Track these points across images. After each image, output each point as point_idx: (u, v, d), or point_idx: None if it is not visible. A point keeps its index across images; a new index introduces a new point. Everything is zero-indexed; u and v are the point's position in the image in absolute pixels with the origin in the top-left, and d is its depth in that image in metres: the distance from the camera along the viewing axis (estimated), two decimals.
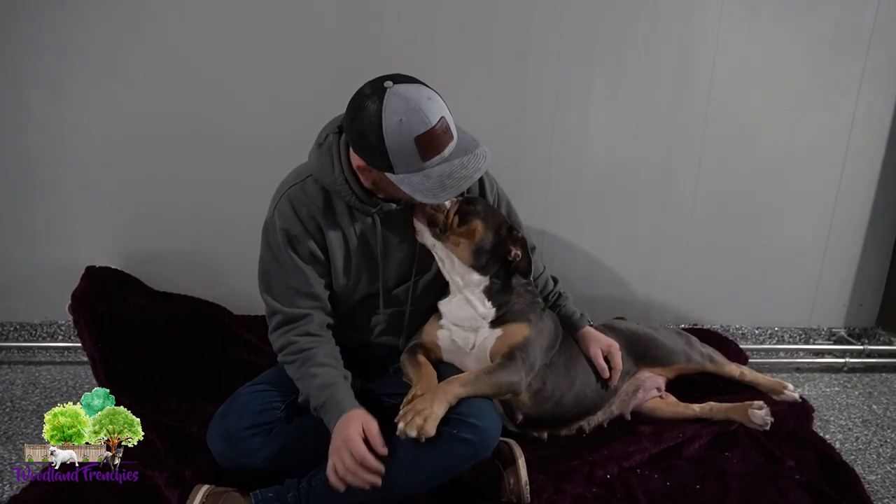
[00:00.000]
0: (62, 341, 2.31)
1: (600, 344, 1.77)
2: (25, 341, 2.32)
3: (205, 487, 1.40)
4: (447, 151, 1.38)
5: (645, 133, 2.23)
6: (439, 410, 1.39)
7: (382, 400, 1.63)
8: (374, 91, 1.36)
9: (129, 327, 1.98)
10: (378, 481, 1.33)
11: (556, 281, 1.86)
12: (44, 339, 2.32)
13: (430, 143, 1.34)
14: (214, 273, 2.26)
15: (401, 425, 1.35)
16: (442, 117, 1.35)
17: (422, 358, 1.61)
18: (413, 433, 1.34)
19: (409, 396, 1.46)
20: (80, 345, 1.99)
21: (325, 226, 1.54)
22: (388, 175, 1.38)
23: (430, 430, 1.35)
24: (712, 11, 2.11)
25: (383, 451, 1.34)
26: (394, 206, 1.56)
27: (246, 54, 2.08)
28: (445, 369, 1.61)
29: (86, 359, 1.94)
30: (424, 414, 1.37)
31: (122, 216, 2.21)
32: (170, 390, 1.88)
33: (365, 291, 1.62)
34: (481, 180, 1.68)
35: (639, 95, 2.19)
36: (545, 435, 1.73)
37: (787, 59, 2.18)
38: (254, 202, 2.16)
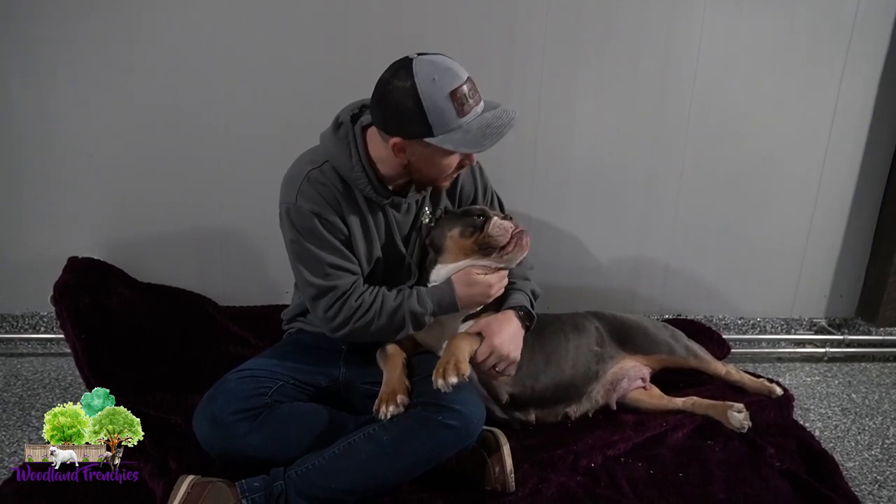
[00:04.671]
0: (44, 333, 2.29)
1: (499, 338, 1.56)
2: (7, 333, 2.29)
3: (190, 478, 1.39)
4: (479, 108, 1.44)
5: (629, 126, 2.24)
6: (462, 355, 1.46)
7: (366, 388, 1.63)
8: (400, 66, 1.41)
9: (112, 319, 1.96)
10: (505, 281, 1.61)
11: None
12: (26, 331, 2.29)
13: (465, 97, 1.40)
14: (200, 265, 2.24)
15: (440, 381, 1.40)
16: (469, 77, 1.43)
17: (391, 349, 1.62)
18: (454, 379, 1.40)
19: (378, 398, 1.47)
20: (62, 336, 1.96)
21: (347, 209, 1.56)
22: (428, 140, 1.41)
23: (465, 369, 1.43)
24: (696, 5, 2.12)
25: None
26: (403, 200, 1.61)
27: (229, 42, 2.05)
28: (419, 361, 1.61)
29: (68, 350, 1.92)
30: (452, 362, 1.43)
31: (106, 207, 2.19)
32: (154, 382, 1.87)
33: (372, 275, 1.65)
34: (472, 170, 1.72)
35: (623, 89, 2.20)
36: (532, 417, 1.75)
37: (770, 53, 2.19)
38: (240, 193, 2.17)
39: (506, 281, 1.63)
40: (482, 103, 1.46)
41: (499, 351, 1.53)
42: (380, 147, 1.52)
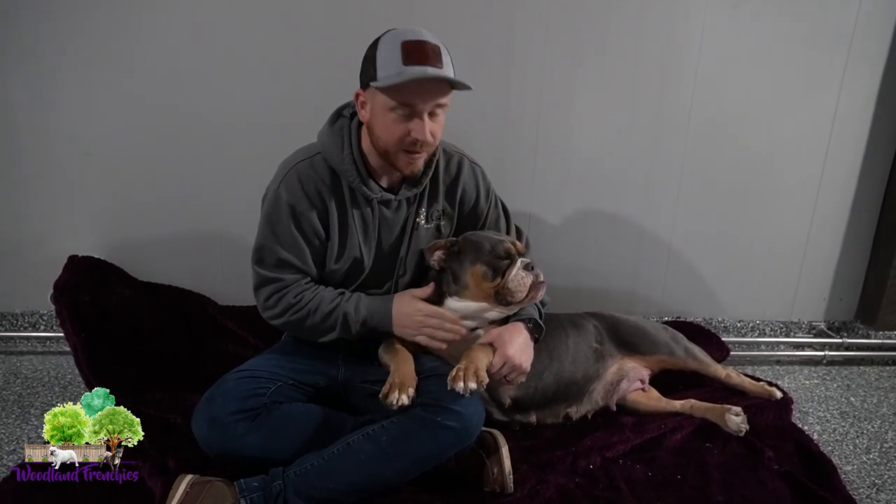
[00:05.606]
0: (44, 331, 2.29)
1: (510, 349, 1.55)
2: (7, 331, 2.29)
3: (189, 477, 1.39)
4: (431, 69, 1.40)
5: (629, 127, 2.24)
6: (481, 365, 1.46)
7: (365, 387, 1.63)
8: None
9: (112, 318, 1.96)
10: (463, 330, 1.56)
11: None
12: (25, 329, 2.30)
13: (416, 51, 1.40)
14: (200, 264, 2.24)
15: (459, 385, 1.40)
16: (438, 45, 1.43)
17: (398, 345, 1.61)
18: (474, 385, 1.41)
19: (387, 384, 1.46)
20: (62, 335, 1.97)
21: (330, 203, 1.56)
22: (372, 85, 1.42)
23: (484, 377, 1.44)
24: (697, 5, 2.12)
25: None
26: (393, 197, 1.59)
27: (229, 42, 2.06)
28: (418, 361, 1.59)
29: (68, 349, 1.92)
30: (472, 369, 1.43)
31: (106, 206, 2.19)
32: (153, 381, 1.88)
33: (350, 272, 1.64)
34: (474, 172, 1.71)
35: (623, 90, 2.20)
36: (533, 419, 1.75)
37: (771, 55, 2.19)
38: (240, 193, 2.17)
39: (453, 336, 1.56)
40: (440, 70, 1.41)
41: (511, 361, 1.53)
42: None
